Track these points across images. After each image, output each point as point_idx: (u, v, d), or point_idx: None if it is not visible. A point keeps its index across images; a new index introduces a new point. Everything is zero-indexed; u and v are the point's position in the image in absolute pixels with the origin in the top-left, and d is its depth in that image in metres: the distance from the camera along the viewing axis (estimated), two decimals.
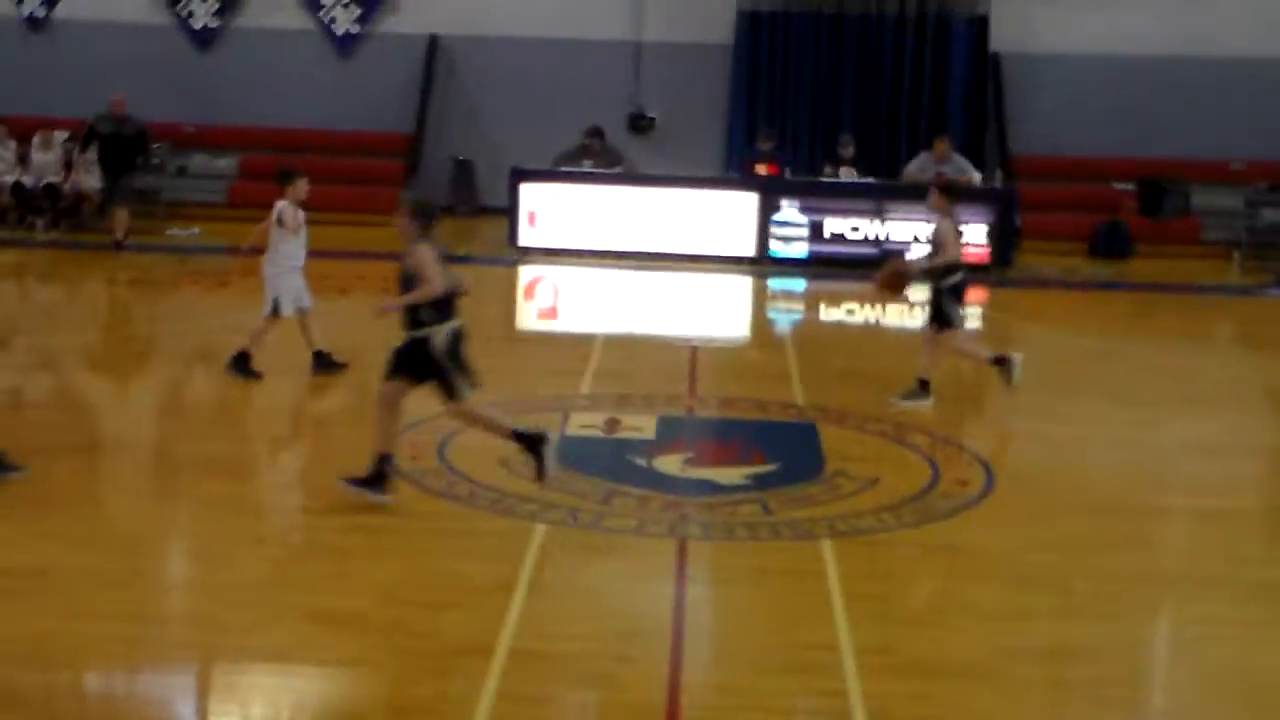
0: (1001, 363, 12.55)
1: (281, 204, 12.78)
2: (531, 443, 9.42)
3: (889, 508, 9.83)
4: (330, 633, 7.62)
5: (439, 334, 9.23)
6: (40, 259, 19.37)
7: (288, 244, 12.84)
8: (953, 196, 12.58)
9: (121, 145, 19.86)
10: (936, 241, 12.38)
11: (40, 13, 23.24)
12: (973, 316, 16.69)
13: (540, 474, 9.46)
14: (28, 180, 20.88)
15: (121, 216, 19.65)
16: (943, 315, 12.46)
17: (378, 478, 9.49)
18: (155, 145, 20.95)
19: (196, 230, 20.92)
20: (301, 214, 12.80)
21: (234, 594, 8.23)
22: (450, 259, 9.64)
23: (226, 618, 7.86)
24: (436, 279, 9.16)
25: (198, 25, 23.27)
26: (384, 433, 9.53)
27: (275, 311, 12.90)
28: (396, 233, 9.44)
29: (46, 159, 20.99)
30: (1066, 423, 12.39)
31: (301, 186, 12.71)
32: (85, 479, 10.49)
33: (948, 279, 12.37)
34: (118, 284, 18.40)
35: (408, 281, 9.28)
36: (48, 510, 9.46)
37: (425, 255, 9.21)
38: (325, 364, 13.09)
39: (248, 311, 13.26)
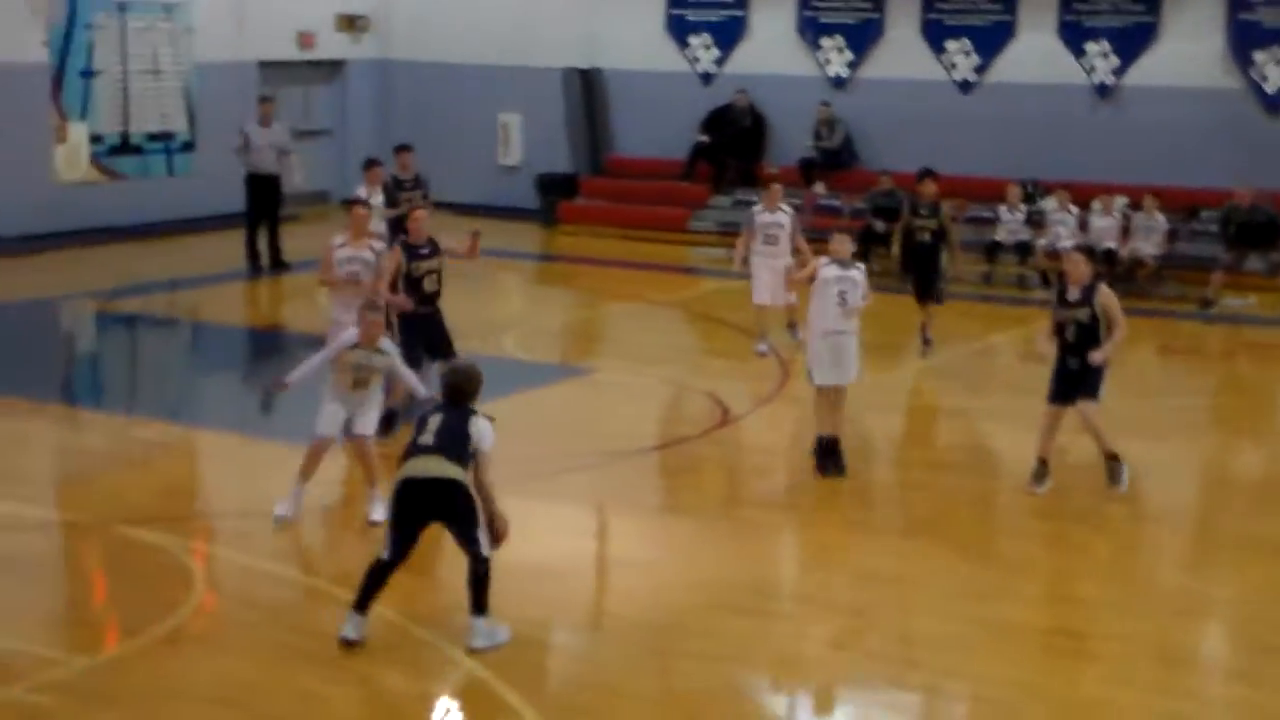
0: None
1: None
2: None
3: None
4: None
5: None
6: None
7: None
8: None
9: (1255, 229, 20.06)
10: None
11: (1110, 80, 23.58)
12: None
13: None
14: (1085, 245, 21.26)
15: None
16: None
17: None
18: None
19: (1252, 300, 20.28)
20: None
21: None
22: None
23: None
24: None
25: (1271, 90, 22.53)
26: None
27: None
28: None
29: (1105, 225, 21.24)
30: None
31: None
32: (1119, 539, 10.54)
33: None
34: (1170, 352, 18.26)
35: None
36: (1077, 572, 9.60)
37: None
38: None
39: None
